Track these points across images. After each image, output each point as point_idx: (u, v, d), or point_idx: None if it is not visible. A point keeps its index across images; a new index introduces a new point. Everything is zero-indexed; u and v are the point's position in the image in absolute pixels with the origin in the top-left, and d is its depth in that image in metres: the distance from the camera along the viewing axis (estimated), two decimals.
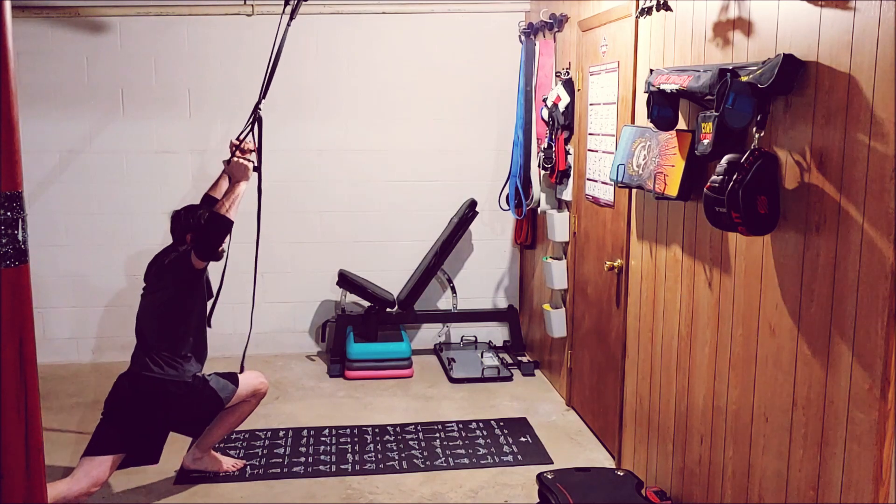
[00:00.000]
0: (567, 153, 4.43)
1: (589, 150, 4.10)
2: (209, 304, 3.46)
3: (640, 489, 3.13)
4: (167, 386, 3.27)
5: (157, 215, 4.93)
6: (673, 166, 2.88)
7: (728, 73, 2.38)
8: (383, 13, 5.27)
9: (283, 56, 3.24)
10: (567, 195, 4.47)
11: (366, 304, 5.32)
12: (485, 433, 4.16)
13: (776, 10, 2.36)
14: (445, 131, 5.45)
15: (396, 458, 3.86)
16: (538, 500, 3.21)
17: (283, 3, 3.27)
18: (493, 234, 5.62)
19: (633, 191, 3.45)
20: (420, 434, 4.15)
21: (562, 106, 4.36)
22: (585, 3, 4.15)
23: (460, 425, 4.26)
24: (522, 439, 4.08)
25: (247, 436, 4.09)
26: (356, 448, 3.98)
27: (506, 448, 3.97)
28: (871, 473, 1.98)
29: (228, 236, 3.28)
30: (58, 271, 5.23)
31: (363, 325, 5.17)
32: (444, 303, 5.64)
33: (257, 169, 3.36)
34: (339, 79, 5.31)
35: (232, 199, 3.27)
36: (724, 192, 2.31)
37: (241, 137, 3.36)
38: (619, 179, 3.31)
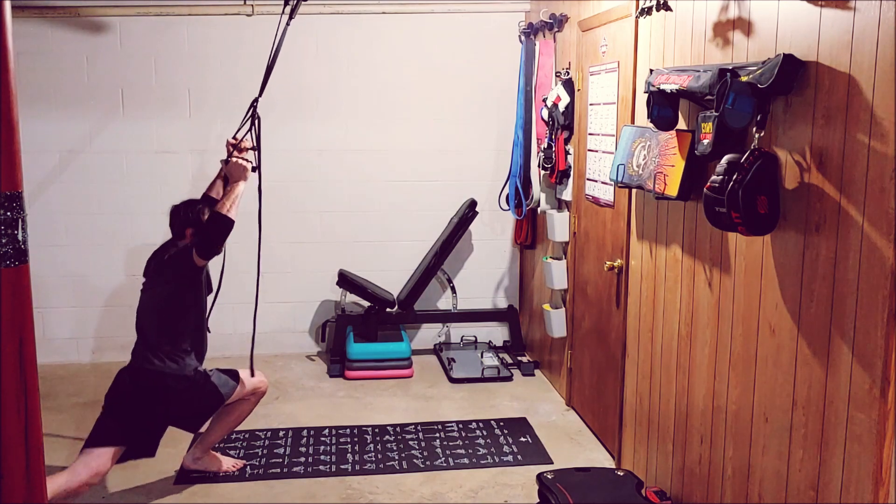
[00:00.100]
0: (567, 153, 4.43)
1: (589, 150, 4.10)
2: (208, 305, 3.46)
3: (640, 489, 3.13)
4: (168, 380, 3.28)
5: (157, 215, 4.92)
6: (673, 166, 2.88)
7: (728, 73, 2.38)
8: (383, 13, 5.27)
9: (283, 56, 3.25)
10: (567, 195, 4.47)
11: (366, 304, 5.33)
12: (485, 433, 4.16)
13: (776, 10, 2.36)
14: (445, 131, 5.45)
15: (396, 458, 3.86)
16: (538, 500, 3.21)
17: (282, 2, 3.27)
18: (493, 234, 5.62)
19: (633, 191, 3.45)
20: (420, 434, 4.15)
21: (562, 106, 4.36)
22: (585, 3, 4.15)
23: (460, 425, 4.26)
24: (522, 439, 4.08)
25: (247, 436, 4.09)
26: (356, 448, 3.98)
27: (506, 448, 3.97)
28: (871, 473, 1.98)
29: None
30: (58, 271, 5.22)
31: (363, 325, 5.17)
32: (444, 303, 5.64)
33: (256, 168, 3.36)
34: (339, 79, 5.32)
35: (232, 199, 3.27)
36: (724, 192, 2.31)
37: (238, 136, 3.36)
38: (619, 179, 3.31)
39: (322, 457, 3.87)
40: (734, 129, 2.38)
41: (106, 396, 3.32)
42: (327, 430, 4.20)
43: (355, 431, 4.19)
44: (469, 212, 5.24)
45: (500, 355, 5.34)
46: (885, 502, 1.97)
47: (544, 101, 4.60)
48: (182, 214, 3.39)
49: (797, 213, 2.27)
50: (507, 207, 5.16)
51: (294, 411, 4.48)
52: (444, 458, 3.85)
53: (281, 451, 3.93)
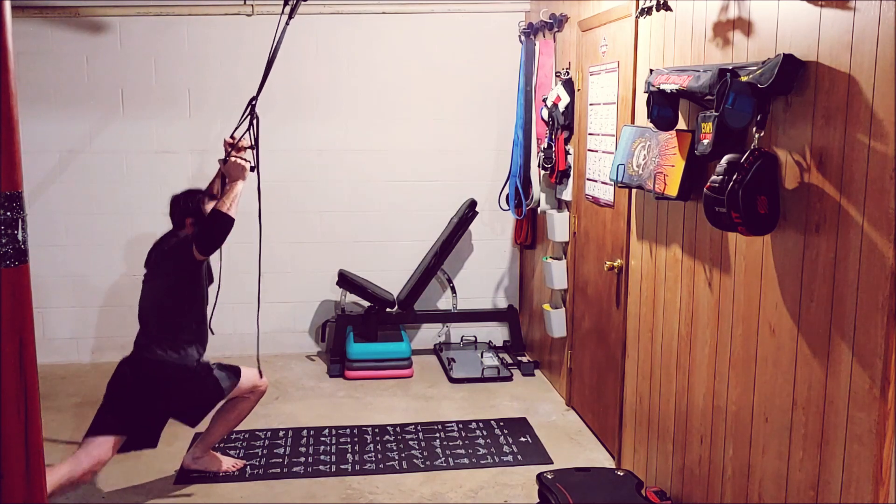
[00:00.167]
0: (567, 153, 4.43)
1: (589, 150, 4.10)
2: (211, 299, 3.46)
3: (639, 489, 3.13)
4: (170, 370, 3.28)
5: (157, 215, 4.91)
6: (673, 166, 2.88)
7: (728, 73, 2.38)
8: (383, 13, 5.27)
9: (283, 56, 3.24)
10: (567, 195, 4.47)
11: (366, 304, 5.32)
12: (485, 433, 4.16)
13: (776, 10, 2.36)
14: (445, 131, 5.45)
15: (396, 458, 3.86)
16: (538, 500, 3.21)
17: (282, 2, 3.27)
18: (493, 234, 5.62)
19: (633, 191, 3.45)
20: (420, 434, 4.15)
21: (562, 106, 4.36)
22: (585, 3, 4.15)
23: (460, 425, 4.26)
24: (522, 439, 4.08)
25: (247, 436, 4.09)
26: (356, 448, 3.98)
27: (506, 448, 3.97)
28: (871, 473, 1.98)
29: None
30: (58, 271, 5.22)
31: (363, 325, 5.17)
32: (444, 303, 5.64)
33: (254, 168, 3.36)
34: (339, 79, 5.31)
35: (231, 198, 3.27)
36: (724, 192, 2.31)
37: (236, 136, 3.36)
38: (619, 179, 3.31)
39: (322, 457, 3.87)
40: (734, 129, 2.38)
41: (108, 386, 3.32)
42: (327, 430, 4.20)
43: (355, 431, 4.19)
44: (469, 212, 5.24)
45: (500, 355, 5.34)
46: (885, 502, 1.97)
47: (544, 101, 4.60)
48: (182, 204, 3.40)
49: (797, 213, 2.27)
50: (507, 207, 5.16)
51: (294, 411, 4.48)
52: (444, 458, 3.85)
53: (281, 451, 3.93)
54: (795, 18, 2.26)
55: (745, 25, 2.53)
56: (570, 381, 4.53)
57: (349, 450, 3.96)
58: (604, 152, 3.88)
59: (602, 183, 3.91)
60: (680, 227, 3.02)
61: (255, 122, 3.30)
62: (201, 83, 5.20)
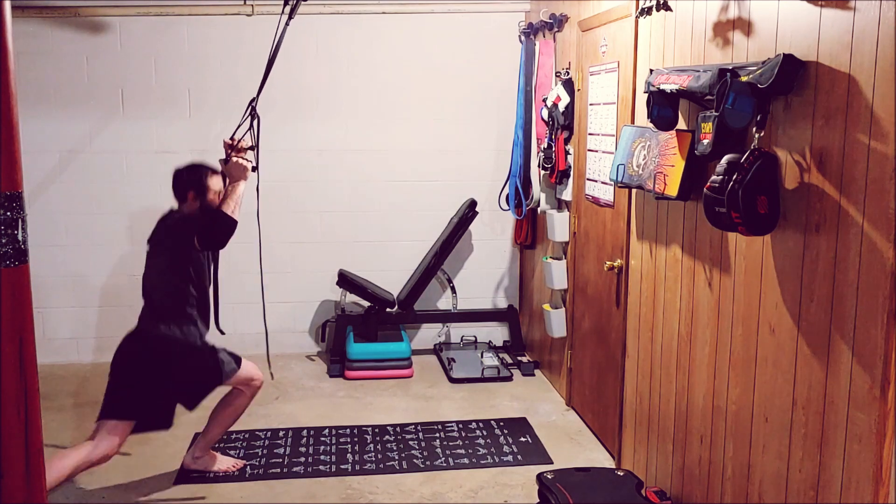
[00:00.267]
0: (567, 153, 4.43)
1: (589, 150, 4.10)
2: (210, 308, 3.47)
3: (640, 489, 3.13)
4: (173, 346, 3.29)
5: (158, 215, 4.93)
6: (673, 166, 2.88)
7: (728, 73, 2.38)
8: (383, 13, 5.27)
9: (283, 56, 3.25)
10: (567, 195, 4.47)
11: (366, 304, 5.32)
12: (485, 433, 4.16)
13: (776, 10, 2.36)
14: (445, 131, 5.45)
15: (396, 458, 3.86)
16: (538, 500, 3.21)
17: (282, 2, 3.27)
18: (493, 234, 5.62)
19: (633, 191, 3.45)
20: (420, 434, 4.15)
21: (562, 106, 4.36)
22: (585, 3, 4.15)
23: (460, 425, 4.26)
24: (522, 439, 4.08)
25: (247, 436, 4.09)
26: (356, 448, 3.98)
27: (506, 448, 3.97)
28: (871, 473, 1.98)
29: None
30: (58, 271, 5.22)
31: (363, 325, 5.17)
32: (444, 303, 5.64)
33: (255, 168, 3.36)
34: (339, 79, 5.31)
35: (234, 199, 3.28)
36: (724, 192, 2.31)
37: (236, 136, 3.36)
38: (619, 179, 3.31)
39: (322, 457, 3.87)
40: (734, 129, 2.38)
41: (112, 363, 3.31)
42: (327, 430, 4.20)
43: (355, 431, 4.19)
44: (469, 212, 5.24)
45: (500, 355, 5.34)
46: (885, 502, 1.97)
47: (544, 101, 4.60)
48: (185, 177, 3.40)
49: (797, 213, 2.27)
50: (507, 207, 5.16)
51: (294, 411, 4.48)
52: (444, 458, 3.85)
53: (281, 451, 3.93)
54: (795, 18, 2.26)
55: (745, 25, 2.53)
56: (570, 381, 4.53)
57: (349, 450, 3.96)
58: (604, 152, 3.88)
59: (602, 183, 3.91)
60: (680, 227, 3.02)
61: (256, 122, 3.30)
62: (201, 83, 5.20)
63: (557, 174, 4.49)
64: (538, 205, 4.83)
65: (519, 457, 3.87)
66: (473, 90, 5.41)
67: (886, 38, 1.90)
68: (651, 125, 2.98)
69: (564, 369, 4.59)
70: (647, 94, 2.94)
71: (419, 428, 4.23)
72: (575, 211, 4.36)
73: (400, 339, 5.17)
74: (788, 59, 2.22)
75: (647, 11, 3.16)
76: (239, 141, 3.36)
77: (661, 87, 2.80)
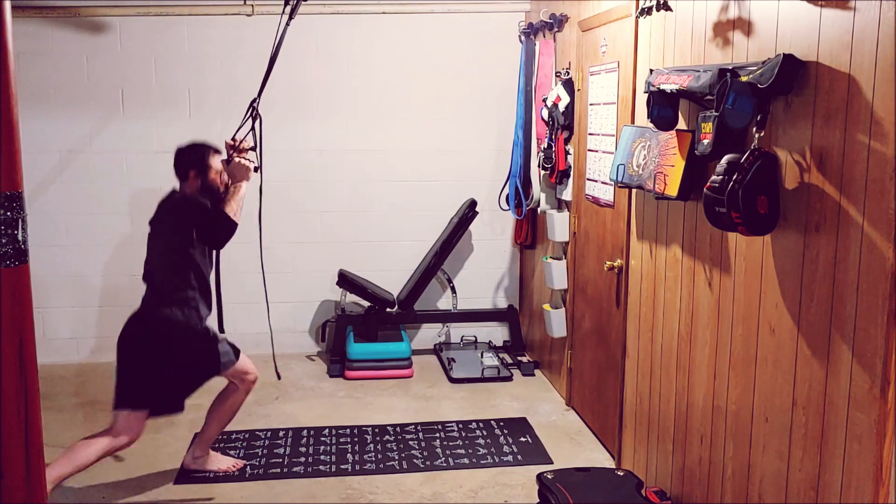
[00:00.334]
0: (567, 153, 4.43)
1: (589, 150, 4.10)
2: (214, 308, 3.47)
3: (640, 489, 3.13)
4: (177, 329, 3.29)
5: None
6: (673, 166, 2.88)
7: (728, 73, 2.38)
8: (383, 13, 5.27)
9: (283, 56, 3.24)
10: (567, 195, 4.47)
11: (366, 304, 5.32)
12: (485, 433, 4.16)
13: (776, 10, 2.36)
14: (445, 131, 5.45)
15: (396, 458, 3.86)
16: (538, 500, 3.21)
17: (282, 2, 3.27)
18: (493, 234, 5.62)
19: (633, 191, 3.45)
20: (420, 434, 4.15)
21: (562, 106, 4.36)
22: (585, 3, 4.15)
23: (460, 425, 4.26)
24: (522, 439, 4.08)
25: (247, 436, 4.09)
26: (356, 448, 3.98)
27: (506, 448, 3.97)
28: (871, 473, 1.98)
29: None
30: (58, 271, 5.22)
31: (363, 325, 5.17)
32: (444, 303, 5.64)
33: (258, 168, 3.36)
34: (339, 79, 5.31)
35: (237, 200, 3.28)
36: (724, 192, 2.31)
37: (238, 137, 3.36)
38: (619, 179, 3.31)
39: (322, 457, 3.87)
40: (734, 129, 2.38)
41: (118, 346, 3.32)
42: (327, 430, 4.20)
43: (355, 431, 4.19)
44: (469, 212, 5.24)
45: (500, 355, 5.34)
46: (885, 502, 1.97)
47: (544, 101, 4.60)
48: (187, 155, 3.39)
49: (797, 213, 2.27)
50: (507, 207, 5.16)
51: (294, 411, 4.48)
52: (444, 458, 3.85)
53: (281, 451, 3.93)
54: (795, 18, 2.26)
55: (745, 25, 2.53)
56: (570, 381, 4.53)
57: (349, 450, 3.96)
58: (604, 152, 3.87)
59: (602, 183, 3.91)
60: (680, 227, 3.02)
61: (257, 122, 3.30)
62: (201, 83, 5.20)
63: (557, 174, 4.49)
64: (538, 205, 4.83)
65: (519, 457, 3.87)
66: (473, 90, 5.41)
67: (886, 38, 1.90)
68: (651, 125, 2.98)
69: (564, 369, 4.59)
70: (647, 94, 2.94)
71: (419, 428, 4.23)
72: (575, 211, 4.36)
73: (400, 339, 5.17)
74: (788, 59, 2.22)
75: (647, 11, 3.16)
76: (241, 141, 3.36)
77: (662, 87, 2.80)
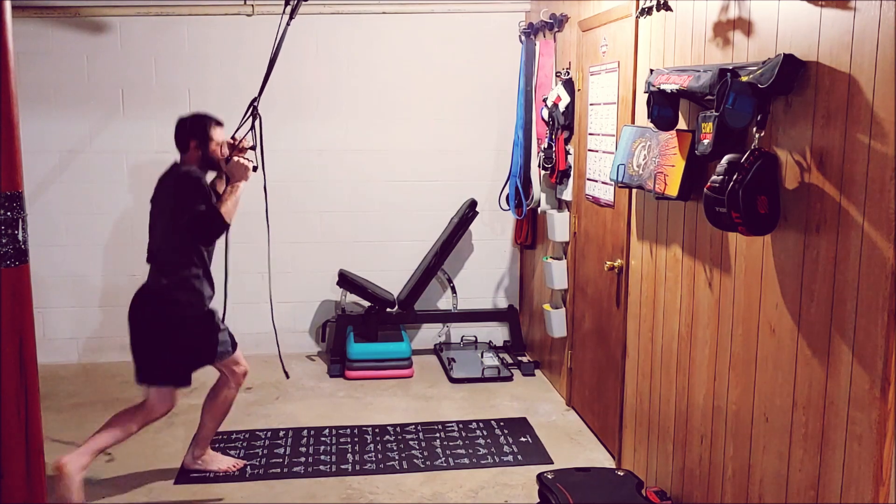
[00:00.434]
0: (567, 153, 4.43)
1: (589, 150, 4.10)
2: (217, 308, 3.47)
3: (640, 489, 3.13)
4: (178, 305, 3.29)
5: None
6: (673, 166, 2.88)
7: (728, 73, 2.38)
8: (383, 13, 5.27)
9: (283, 56, 3.25)
10: (567, 195, 4.47)
11: (366, 304, 5.32)
12: (485, 433, 4.16)
13: (776, 10, 2.36)
14: (445, 131, 5.45)
15: (396, 458, 3.86)
16: (538, 500, 3.21)
17: (283, 2, 3.27)
18: (493, 234, 5.62)
19: (633, 191, 3.45)
20: (420, 434, 4.15)
21: (562, 106, 4.36)
22: (585, 3, 4.15)
23: (460, 425, 4.26)
24: (522, 439, 4.08)
25: (247, 436, 4.09)
26: (356, 448, 3.98)
27: (506, 448, 3.97)
28: (871, 473, 1.98)
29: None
30: (58, 271, 5.22)
31: (363, 325, 5.17)
32: (444, 303, 5.64)
33: (257, 168, 3.36)
34: (339, 79, 5.31)
35: (234, 200, 3.27)
36: (724, 192, 2.31)
37: (237, 136, 3.36)
38: (620, 179, 3.31)
39: (322, 457, 3.87)
40: (734, 129, 2.38)
41: (129, 321, 3.33)
42: (327, 430, 4.20)
43: (355, 431, 4.19)
44: (469, 212, 5.24)
45: (501, 355, 5.34)
46: (885, 502, 1.97)
47: (544, 101, 4.60)
48: (189, 126, 3.38)
49: (797, 213, 2.27)
50: (507, 207, 5.16)
51: (294, 411, 4.48)
52: (444, 458, 3.85)
53: (281, 451, 3.93)
54: (795, 18, 2.26)
55: (745, 25, 2.53)
56: (571, 381, 4.53)
57: (349, 450, 3.96)
58: (604, 152, 3.87)
59: (602, 183, 3.91)
60: (680, 227, 3.02)
61: (257, 122, 3.30)
62: (201, 83, 5.20)
63: (558, 174, 4.49)
64: (538, 205, 4.83)
65: (519, 457, 3.87)
66: (473, 90, 5.41)
67: (886, 38, 1.90)
68: (651, 125, 2.98)
69: (564, 369, 4.59)
70: (647, 94, 2.94)
71: (419, 428, 4.23)
72: (575, 211, 4.36)
73: (400, 339, 5.17)
74: (789, 59, 2.22)
75: (647, 11, 3.16)
76: (240, 141, 3.35)
77: (662, 87, 2.80)
